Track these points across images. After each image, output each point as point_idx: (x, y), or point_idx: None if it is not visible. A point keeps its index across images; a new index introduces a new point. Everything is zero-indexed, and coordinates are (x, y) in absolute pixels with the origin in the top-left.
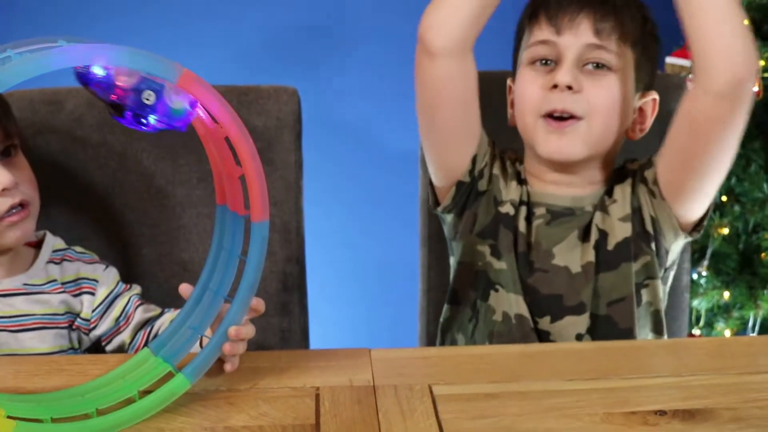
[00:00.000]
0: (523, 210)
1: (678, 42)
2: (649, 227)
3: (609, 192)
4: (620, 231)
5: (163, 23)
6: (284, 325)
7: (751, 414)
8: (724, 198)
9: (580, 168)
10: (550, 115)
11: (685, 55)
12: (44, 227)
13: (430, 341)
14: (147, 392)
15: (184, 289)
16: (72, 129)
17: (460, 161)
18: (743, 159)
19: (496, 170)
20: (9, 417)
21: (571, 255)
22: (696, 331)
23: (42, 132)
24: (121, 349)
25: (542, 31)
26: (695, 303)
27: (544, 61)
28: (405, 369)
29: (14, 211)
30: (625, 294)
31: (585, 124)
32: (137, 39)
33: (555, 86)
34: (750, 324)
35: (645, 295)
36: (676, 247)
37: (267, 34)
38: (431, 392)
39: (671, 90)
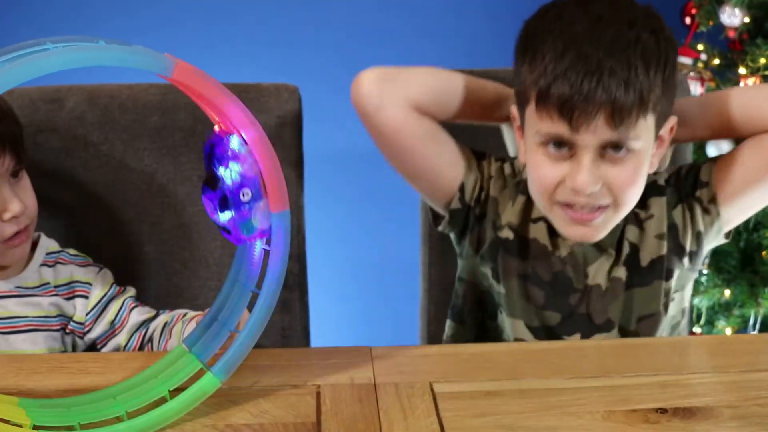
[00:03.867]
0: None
1: (679, 40)
2: (687, 242)
3: (642, 204)
4: (655, 248)
5: (164, 22)
6: (285, 323)
7: (751, 412)
8: None
9: None
10: (568, 204)
11: (687, 53)
12: (45, 225)
13: (431, 339)
14: (178, 390)
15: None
16: (73, 127)
17: (446, 191)
18: None
19: (494, 191)
20: (36, 427)
21: (601, 270)
22: (697, 330)
23: (42, 130)
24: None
25: (554, 124)
26: (696, 301)
27: (556, 143)
28: (406, 367)
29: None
30: (654, 310)
31: (612, 210)
32: (138, 38)
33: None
34: (751, 322)
35: (671, 308)
36: (711, 248)
37: (268, 32)
38: (432, 390)
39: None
